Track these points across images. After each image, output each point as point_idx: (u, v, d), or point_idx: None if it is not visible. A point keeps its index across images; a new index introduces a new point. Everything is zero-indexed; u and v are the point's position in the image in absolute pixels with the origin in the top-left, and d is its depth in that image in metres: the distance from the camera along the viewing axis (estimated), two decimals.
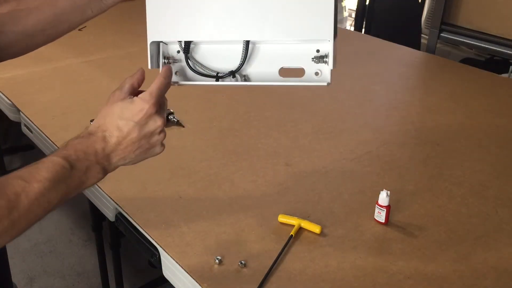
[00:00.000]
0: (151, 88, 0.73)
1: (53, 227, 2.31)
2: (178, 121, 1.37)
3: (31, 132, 1.38)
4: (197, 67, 0.80)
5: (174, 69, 0.81)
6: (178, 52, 0.81)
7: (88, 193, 1.15)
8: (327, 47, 0.74)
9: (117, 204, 1.05)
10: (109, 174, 1.12)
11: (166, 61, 0.81)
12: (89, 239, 2.22)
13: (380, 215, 1.00)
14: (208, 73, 0.80)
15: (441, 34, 2.23)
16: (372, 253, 0.93)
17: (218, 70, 0.80)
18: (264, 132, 1.36)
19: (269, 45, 0.78)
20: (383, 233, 0.98)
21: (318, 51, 0.75)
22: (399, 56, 2.03)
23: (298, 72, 0.77)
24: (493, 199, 1.09)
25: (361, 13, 3.02)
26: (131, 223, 1.01)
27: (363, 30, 3.02)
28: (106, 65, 1.75)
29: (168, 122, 1.36)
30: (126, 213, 1.02)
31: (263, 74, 0.79)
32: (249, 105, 1.51)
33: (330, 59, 0.74)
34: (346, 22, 4.41)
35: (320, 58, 0.75)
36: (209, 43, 0.80)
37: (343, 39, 2.28)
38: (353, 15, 3.51)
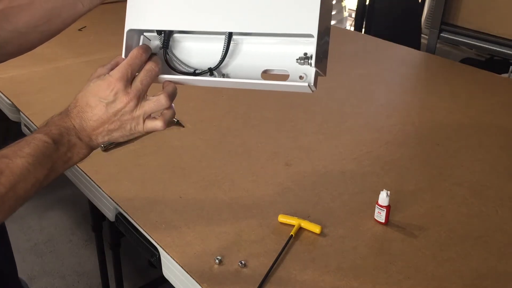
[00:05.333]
0: (120, 64, 0.71)
1: (53, 227, 2.32)
2: (178, 121, 1.37)
3: (31, 132, 1.38)
4: (175, 63, 0.78)
5: None
6: (161, 48, 0.78)
7: (88, 193, 1.16)
8: (313, 48, 0.68)
9: (117, 204, 1.05)
10: (109, 174, 1.13)
11: None
12: (89, 239, 2.22)
13: (380, 215, 1.00)
14: (185, 70, 0.77)
15: (441, 34, 2.23)
16: (372, 253, 0.93)
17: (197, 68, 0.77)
18: (264, 132, 1.36)
19: (252, 45, 0.75)
20: (383, 233, 0.98)
21: (305, 54, 0.70)
22: (399, 56, 2.03)
23: (283, 78, 0.73)
24: (493, 199, 1.09)
25: (361, 13, 3.02)
26: (131, 223, 1.01)
27: (363, 30, 3.02)
28: None
29: None
30: (126, 213, 1.02)
31: (244, 75, 0.75)
32: (249, 105, 1.51)
33: (314, 58, 0.68)
34: (346, 22, 4.42)
35: (305, 59, 0.70)
36: (189, 40, 0.78)
37: (343, 39, 2.29)
38: (353, 15, 3.51)
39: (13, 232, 2.22)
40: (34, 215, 2.35)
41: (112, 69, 0.71)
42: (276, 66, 0.74)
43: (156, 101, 0.71)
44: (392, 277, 0.87)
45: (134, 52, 0.71)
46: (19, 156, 0.64)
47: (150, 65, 0.72)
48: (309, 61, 0.69)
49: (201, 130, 1.35)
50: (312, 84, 0.69)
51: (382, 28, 2.84)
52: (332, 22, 4.14)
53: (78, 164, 1.16)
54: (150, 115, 0.72)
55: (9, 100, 1.48)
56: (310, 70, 0.70)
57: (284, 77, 0.73)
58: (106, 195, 1.08)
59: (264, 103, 1.52)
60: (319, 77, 0.72)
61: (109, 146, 1.22)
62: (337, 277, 0.87)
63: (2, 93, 1.53)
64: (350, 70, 1.83)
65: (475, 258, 0.92)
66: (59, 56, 1.83)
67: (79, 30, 2.10)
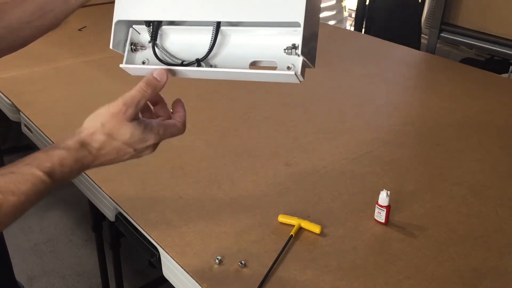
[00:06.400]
0: (160, 121, 0.73)
1: (53, 227, 2.32)
2: None
3: (31, 132, 1.38)
4: (164, 55, 0.78)
5: (141, 58, 0.79)
6: (150, 42, 0.78)
7: (88, 193, 1.16)
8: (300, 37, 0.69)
9: (117, 204, 1.05)
10: (109, 174, 1.13)
11: (133, 47, 0.79)
12: (89, 239, 2.22)
13: (380, 215, 1.00)
14: (173, 62, 0.77)
15: (441, 34, 2.22)
16: (372, 253, 0.93)
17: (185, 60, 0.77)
18: (264, 132, 1.36)
19: (241, 36, 0.75)
20: (383, 233, 0.98)
21: (293, 44, 0.70)
22: (399, 56, 2.03)
23: (271, 69, 0.73)
24: (493, 199, 1.09)
25: (361, 13, 3.02)
26: (131, 223, 1.01)
27: (363, 30, 3.02)
28: (106, 65, 1.75)
29: None
30: (126, 213, 1.02)
31: (232, 66, 0.75)
32: (249, 105, 1.51)
33: (300, 47, 0.68)
34: (346, 22, 4.41)
35: (292, 49, 0.70)
36: (178, 33, 0.78)
37: (343, 39, 2.29)
38: (353, 15, 3.51)
39: (13, 232, 2.23)
40: (34, 215, 2.35)
41: (142, 110, 0.71)
42: (264, 57, 0.74)
43: (176, 130, 0.75)
44: (392, 277, 0.87)
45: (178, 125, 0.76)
46: (12, 194, 0.60)
47: (178, 126, 0.76)
48: (296, 51, 0.69)
49: (201, 130, 1.35)
50: (299, 74, 0.70)
51: (382, 28, 2.84)
52: (332, 22, 4.14)
53: None
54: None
55: (9, 100, 1.48)
56: (297, 60, 0.70)
57: (273, 68, 0.73)
58: (106, 195, 1.08)
59: (264, 103, 1.52)
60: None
61: None
62: (337, 277, 0.87)
63: (2, 93, 1.53)
64: (350, 70, 1.83)
65: (475, 258, 0.93)
66: (59, 56, 1.83)
67: (79, 30, 2.09)
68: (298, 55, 0.69)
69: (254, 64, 0.75)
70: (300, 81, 0.71)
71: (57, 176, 0.64)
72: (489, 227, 1.01)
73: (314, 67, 0.73)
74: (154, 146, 0.72)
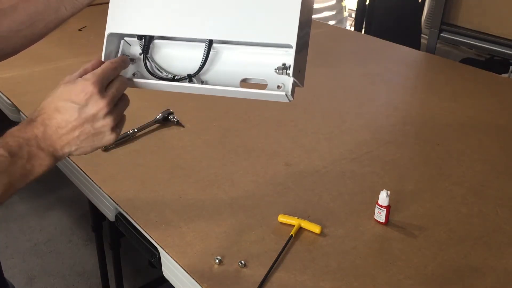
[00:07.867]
0: (96, 70, 0.68)
1: (53, 227, 2.32)
2: (178, 121, 1.37)
3: None
4: (155, 69, 0.78)
5: (133, 70, 0.79)
6: (141, 54, 0.79)
7: (88, 193, 1.16)
8: (291, 58, 0.69)
9: (117, 204, 1.05)
10: (109, 174, 1.13)
11: None
12: (89, 239, 2.22)
13: (380, 215, 1.00)
14: (165, 76, 0.77)
15: (441, 34, 2.23)
16: (372, 253, 0.93)
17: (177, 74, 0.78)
18: (264, 132, 1.36)
19: (232, 54, 0.76)
20: (383, 233, 0.98)
21: (284, 64, 0.71)
22: (399, 56, 2.03)
23: (261, 87, 0.73)
24: (493, 199, 1.09)
25: (361, 13, 3.02)
26: (131, 223, 1.01)
27: (363, 30, 3.02)
28: None
29: (168, 122, 1.37)
30: (126, 213, 1.02)
31: (223, 83, 0.76)
32: (249, 105, 1.51)
33: (291, 68, 0.69)
34: (346, 22, 4.42)
35: (283, 69, 0.70)
36: (170, 46, 0.78)
37: (343, 39, 2.29)
38: (353, 15, 3.51)
39: (13, 232, 2.23)
40: (34, 215, 2.35)
41: (81, 76, 0.68)
42: (255, 75, 0.75)
43: (125, 99, 0.70)
44: (392, 277, 0.87)
45: (116, 61, 0.70)
46: None
47: (124, 78, 0.71)
48: (287, 71, 0.70)
49: (201, 130, 1.35)
50: (290, 94, 0.71)
51: (382, 28, 2.84)
52: (332, 22, 4.14)
53: (78, 164, 1.16)
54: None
55: (9, 100, 1.48)
56: (287, 80, 0.71)
57: (263, 86, 0.73)
58: (106, 195, 1.08)
59: (264, 103, 1.52)
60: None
61: (109, 146, 1.22)
62: (337, 277, 0.87)
63: (2, 93, 1.53)
64: (350, 70, 1.83)
65: (475, 258, 0.93)
66: (59, 56, 1.83)
67: (79, 30, 2.10)
68: (289, 76, 0.70)
69: (244, 81, 0.75)
70: (290, 101, 0.72)
71: (13, 147, 0.63)
72: (489, 227, 1.01)
73: (303, 86, 0.74)
74: (101, 97, 0.66)
